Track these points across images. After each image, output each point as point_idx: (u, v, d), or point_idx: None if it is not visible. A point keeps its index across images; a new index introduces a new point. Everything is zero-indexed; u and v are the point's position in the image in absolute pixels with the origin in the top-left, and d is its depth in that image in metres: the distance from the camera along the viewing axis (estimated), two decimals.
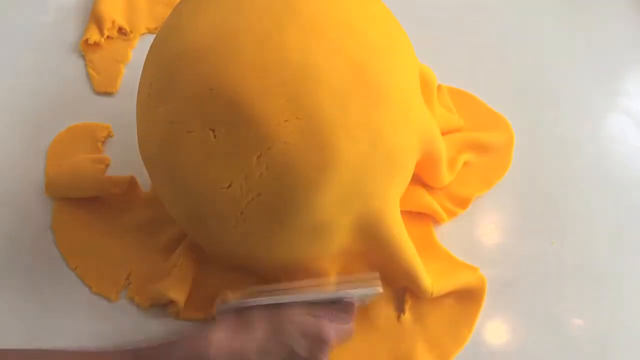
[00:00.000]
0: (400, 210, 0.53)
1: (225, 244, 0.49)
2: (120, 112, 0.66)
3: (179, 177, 0.46)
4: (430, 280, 0.52)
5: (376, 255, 0.52)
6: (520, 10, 0.75)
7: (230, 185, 0.44)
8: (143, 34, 0.74)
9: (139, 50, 0.72)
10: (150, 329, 0.54)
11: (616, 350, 0.53)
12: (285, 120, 0.42)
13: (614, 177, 0.62)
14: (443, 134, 0.58)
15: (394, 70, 0.47)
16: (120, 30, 0.73)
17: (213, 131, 0.43)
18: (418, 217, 0.58)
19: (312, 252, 0.50)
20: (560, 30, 0.73)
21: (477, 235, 0.58)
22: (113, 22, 0.73)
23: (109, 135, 0.65)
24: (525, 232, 0.59)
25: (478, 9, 0.75)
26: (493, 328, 0.54)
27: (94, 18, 0.73)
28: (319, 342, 0.45)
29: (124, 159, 0.63)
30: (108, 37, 0.73)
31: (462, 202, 0.60)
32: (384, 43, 0.47)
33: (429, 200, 0.58)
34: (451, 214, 0.59)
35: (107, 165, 0.63)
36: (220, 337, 0.45)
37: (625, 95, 0.68)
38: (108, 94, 0.69)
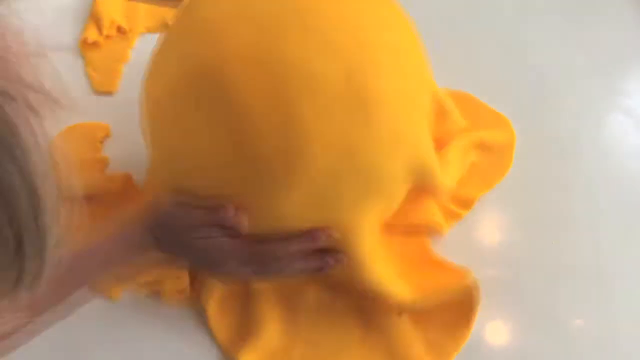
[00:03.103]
0: (397, 225, 0.54)
1: None
2: (120, 111, 0.66)
3: (162, 144, 0.49)
4: (404, 295, 0.51)
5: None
6: (520, 11, 0.75)
7: (206, 168, 0.46)
8: (142, 33, 0.74)
9: (138, 50, 0.72)
10: (152, 326, 0.54)
11: (616, 350, 0.53)
12: (266, 113, 0.43)
13: (614, 177, 0.62)
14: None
15: (393, 88, 0.46)
16: (119, 29, 0.73)
17: (198, 102, 0.45)
18: (414, 231, 0.57)
19: None
20: (560, 30, 0.73)
21: (477, 235, 0.58)
22: (112, 22, 0.73)
23: (108, 136, 0.65)
24: (525, 232, 0.58)
25: (478, 9, 0.74)
26: (493, 328, 0.54)
27: (93, 17, 0.73)
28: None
29: (124, 159, 0.63)
30: (107, 36, 0.72)
31: (466, 203, 0.59)
32: (390, 57, 0.46)
33: (428, 213, 0.57)
34: (456, 217, 0.58)
35: (105, 165, 0.62)
36: None
37: (625, 95, 0.68)
38: (107, 93, 0.68)
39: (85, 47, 0.72)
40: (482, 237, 0.58)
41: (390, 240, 0.56)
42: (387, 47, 0.47)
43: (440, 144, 0.57)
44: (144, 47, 0.73)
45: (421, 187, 0.52)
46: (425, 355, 0.52)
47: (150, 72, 0.50)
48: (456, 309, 0.54)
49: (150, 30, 0.74)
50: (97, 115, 0.66)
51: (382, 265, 0.51)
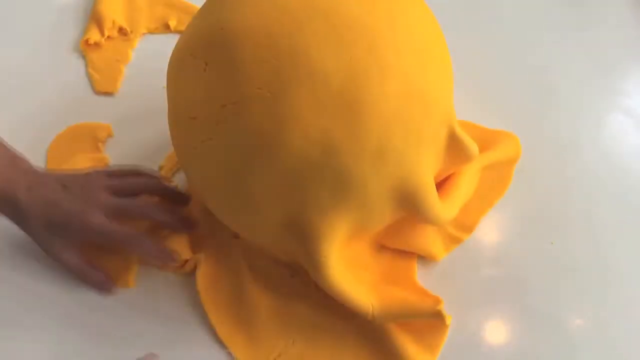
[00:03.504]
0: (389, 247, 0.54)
1: (188, 177, 0.53)
2: (121, 112, 0.66)
3: (170, 95, 0.50)
4: (367, 306, 0.50)
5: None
6: (520, 11, 0.75)
7: (195, 118, 0.47)
8: (143, 34, 0.74)
9: (139, 51, 0.73)
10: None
11: (616, 351, 0.53)
12: (258, 88, 0.43)
13: (614, 177, 0.62)
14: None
15: (393, 102, 0.45)
16: (121, 30, 0.73)
17: (206, 63, 0.46)
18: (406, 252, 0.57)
19: (243, 223, 0.51)
20: (560, 30, 0.73)
21: (477, 236, 0.58)
22: (113, 22, 0.73)
23: (109, 135, 0.65)
24: (525, 232, 0.58)
25: (476, 10, 0.75)
26: (493, 328, 0.54)
27: (94, 18, 0.73)
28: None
29: (124, 159, 0.63)
30: (108, 37, 0.73)
31: (467, 228, 0.58)
32: (402, 70, 0.45)
33: (424, 240, 0.56)
34: (456, 241, 0.57)
35: (106, 165, 0.63)
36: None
37: (625, 95, 0.68)
38: (108, 94, 0.69)
39: (86, 47, 0.72)
40: (481, 237, 0.58)
41: (376, 255, 0.56)
42: (402, 60, 0.45)
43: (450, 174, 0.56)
44: (145, 48, 0.73)
45: (414, 217, 0.51)
46: (414, 346, 0.51)
47: (181, 35, 0.52)
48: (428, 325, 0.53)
49: (151, 31, 0.74)
50: (98, 115, 0.66)
51: (347, 273, 0.50)
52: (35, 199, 0.51)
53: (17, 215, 0.52)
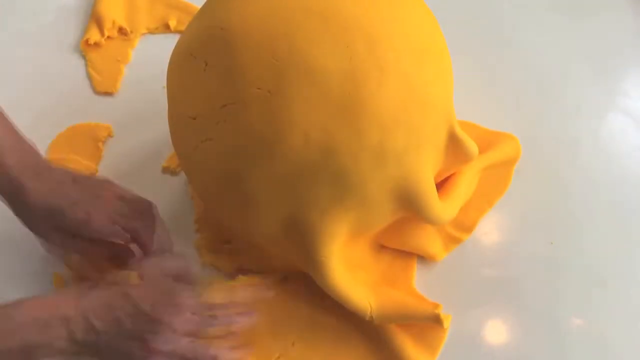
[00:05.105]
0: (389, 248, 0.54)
1: (188, 177, 0.54)
2: (121, 112, 0.66)
3: (170, 95, 0.51)
4: (365, 307, 0.51)
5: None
6: (520, 11, 0.75)
7: (195, 118, 0.47)
8: (143, 34, 0.74)
9: (139, 51, 0.73)
10: None
11: (616, 351, 0.53)
12: (258, 88, 0.44)
13: (614, 177, 0.62)
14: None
15: (392, 102, 0.45)
16: (121, 30, 0.73)
17: (206, 63, 0.46)
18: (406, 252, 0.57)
19: (242, 223, 0.51)
20: (560, 31, 0.73)
21: (477, 235, 0.58)
22: (113, 22, 0.73)
23: (109, 135, 0.65)
24: (525, 232, 0.58)
25: (476, 10, 0.74)
26: (493, 328, 0.54)
27: (95, 18, 0.73)
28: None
29: (124, 159, 0.63)
30: (108, 37, 0.73)
31: (467, 228, 0.58)
32: (401, 70, 0.45)
33: (424, 241, 0.56)
34: (455, 241, 0.57)
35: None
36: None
37: (624, 94, 0.68)
38: (108, 94, 0.69)
39: (86, 47, 0.72)
40: (481, 237, 0.58)
41: (376, 256, 0.56)
42: (401, 60, 0.45)
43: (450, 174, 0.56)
44: (145, 48, 0.73)
45: (414, 217, 0.51)
46: (415, 348, 0.51)
47: (181, 35, 0.53)
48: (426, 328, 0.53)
49: (151, 31, 0.74)
50: (98, 115, 0.66)
51: (347, 273, 0.50)
52: (41, 187, 0.48)
53: (18, 201, 0.48)
